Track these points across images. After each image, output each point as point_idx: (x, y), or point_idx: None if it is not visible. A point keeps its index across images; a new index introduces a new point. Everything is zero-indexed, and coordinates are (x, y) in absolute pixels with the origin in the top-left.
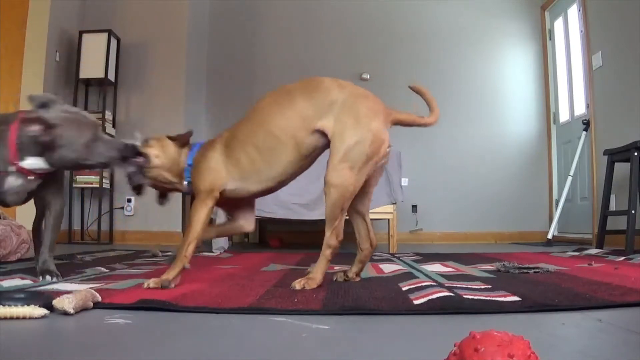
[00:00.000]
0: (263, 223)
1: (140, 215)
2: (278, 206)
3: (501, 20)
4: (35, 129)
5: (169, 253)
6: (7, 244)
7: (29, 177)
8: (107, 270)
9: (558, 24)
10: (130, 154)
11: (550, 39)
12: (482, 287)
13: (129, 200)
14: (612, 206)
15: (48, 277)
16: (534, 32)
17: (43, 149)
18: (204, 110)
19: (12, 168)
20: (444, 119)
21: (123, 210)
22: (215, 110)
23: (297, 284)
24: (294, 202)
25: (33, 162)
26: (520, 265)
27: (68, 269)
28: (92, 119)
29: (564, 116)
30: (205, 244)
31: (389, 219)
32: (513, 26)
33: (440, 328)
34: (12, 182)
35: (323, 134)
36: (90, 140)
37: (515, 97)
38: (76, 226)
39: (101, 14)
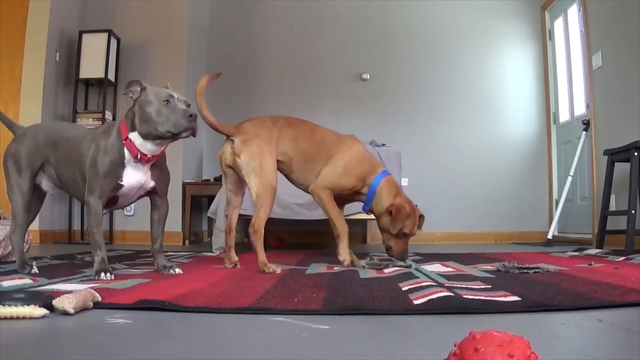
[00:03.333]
0: None
1: (140, 216)
2: (278, 206)
3: (501, 20)
4: (136, 89)
5: (170, 253)
6: (8, 244)
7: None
8: None
9: (558, 24)
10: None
11: (550, 39)
12: (482, 287)
13: None
14: (612, 206)
15: (172, 271)
16: (534, 32)
17: (134, 117)
18: None
19: (127, 153)
20: (444, 119)
21: (123, 211)
22: (215, 109)
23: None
24: (294, 202)
25: (134, 136)
26: (520, 265)
27: (68, 268)
28: (169, 91)
29: (564, 116)
30: (205, 244)
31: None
32: (513, 26)
33: (440, 328)
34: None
35: None
36: (164, 100)
37: (515, 97)
38: (76, 226)
39: (101, 14)
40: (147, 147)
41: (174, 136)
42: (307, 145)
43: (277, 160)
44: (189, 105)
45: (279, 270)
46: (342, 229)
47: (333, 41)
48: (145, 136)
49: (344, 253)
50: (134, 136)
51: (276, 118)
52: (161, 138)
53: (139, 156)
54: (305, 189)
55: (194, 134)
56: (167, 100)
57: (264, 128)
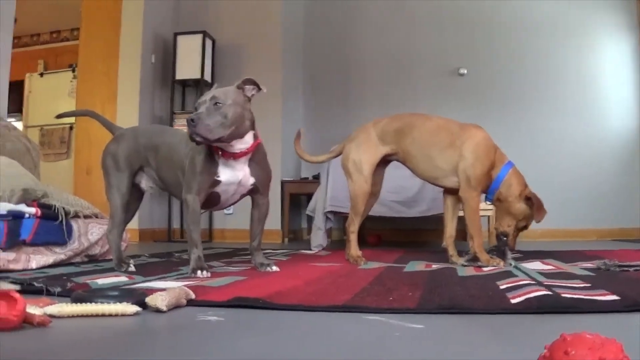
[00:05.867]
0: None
1: (239, 214)
2: (376, 203)
3: (597, 11)
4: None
5: (268, 250)
6: (105, 242)
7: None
8: None
9: None
10: None
11: None
12: (582, 285)
13: None
14: None
15: (268, 269)
16: (630, 23)
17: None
18: (302, 109)
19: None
20: (542, 113)
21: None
22: (312, 109)
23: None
24: (392, 200)
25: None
26: (620, 263)
27: (165, 266)
28: (204, 95)
29: None
30: (304, 242)
31: (488, 216)
32: (609, 17)
33: (535, 328)
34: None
35: None
36: (195, 107)
37: (615, 90)
38: (175, 224)
39: (195, 15)
40: (220, 146)
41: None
42: (419, 134)
43: (389, 154)
44: (216, 104)
45: (362, 264)
46: (479, 243)
47: (429, 37)
48: None
49: (486, 260)
50: None
51: (381, 118)
52: None
53: (220, 153)
54: (432, 182)
55: (198, 138)
56: (196, 108)
57: (362, 131)
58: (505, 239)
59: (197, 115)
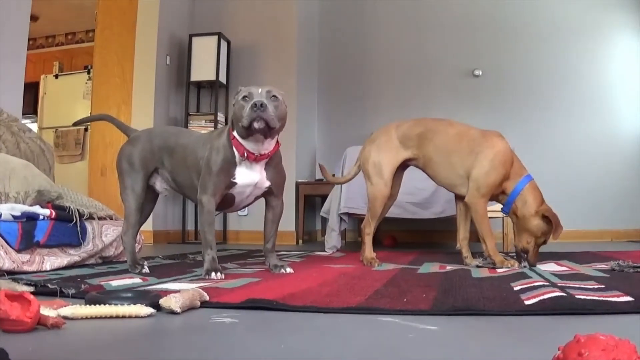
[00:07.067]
0: None
1: (254, 216)
2: (392, 205)
3: (614, 11)
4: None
5: (282, 252)
6: (119, 244)
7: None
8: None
9: None
10: None
11: None
12: (595, 286)
13: None
14: None
15: (282, 270)
16: None
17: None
18: (316, 110)
19: (236, 152)
20: (558, 113)
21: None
22: (327, 110)
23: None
24: (407, 201)
25: (237, 135)
26: (635, 264)
27: (179, 268)
28: (251, 87)
29: None
30: (319, 244)
31: (502, 217)
32: (626, 16)
33: (549, 329)
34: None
35: None
36: (243, 96)
37: (628, 90)
38: (190, 226)
39: (210, 17)
40: (248, 146)
41: (248, 130)
42: (442, 141)
43: (409, 159)
44: (273, 97)
45: (376, 266)
46: (492, 246)
47: (444, 38)
48: (240, 135)
49: (500, 262)
50: (237, 135)
51: (404, 121)
52: (245, 134)
53: (245, 154)
54: (451, 189)
55: (261, 124)
56: (246, 97)
57: (384, 132)
58: (525, 255)
59: (263, 101)
